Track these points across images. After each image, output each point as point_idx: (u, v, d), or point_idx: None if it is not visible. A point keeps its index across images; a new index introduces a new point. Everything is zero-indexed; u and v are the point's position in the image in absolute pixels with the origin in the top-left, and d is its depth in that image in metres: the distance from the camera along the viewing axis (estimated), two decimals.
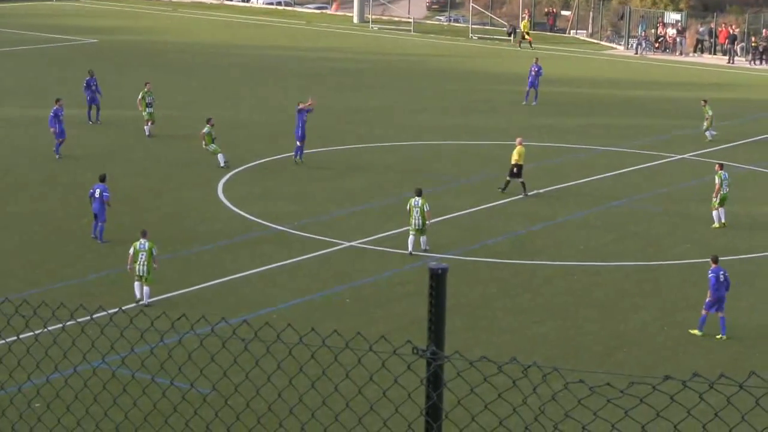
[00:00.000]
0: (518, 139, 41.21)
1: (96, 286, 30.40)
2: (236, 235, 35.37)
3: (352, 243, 34.80)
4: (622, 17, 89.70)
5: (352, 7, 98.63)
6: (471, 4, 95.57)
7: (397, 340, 6.01)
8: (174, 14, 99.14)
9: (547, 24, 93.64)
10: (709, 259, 28.74)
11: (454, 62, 76.21)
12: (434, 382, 5.30)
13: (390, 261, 33.29)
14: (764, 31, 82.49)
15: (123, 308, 26.68)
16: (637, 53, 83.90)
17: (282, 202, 39.35)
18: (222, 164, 43.23)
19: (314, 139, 46.60)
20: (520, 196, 40.33)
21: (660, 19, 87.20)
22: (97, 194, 34.12)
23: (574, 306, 29.90)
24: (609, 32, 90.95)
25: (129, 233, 31.98)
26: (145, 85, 49.26)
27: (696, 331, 27.85)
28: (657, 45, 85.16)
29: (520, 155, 40.41)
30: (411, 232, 33.70)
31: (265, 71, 69.09)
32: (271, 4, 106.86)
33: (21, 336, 8.59)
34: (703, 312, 27.85)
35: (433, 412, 5.31)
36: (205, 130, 43.39)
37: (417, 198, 33.75)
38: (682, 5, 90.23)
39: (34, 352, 8.70)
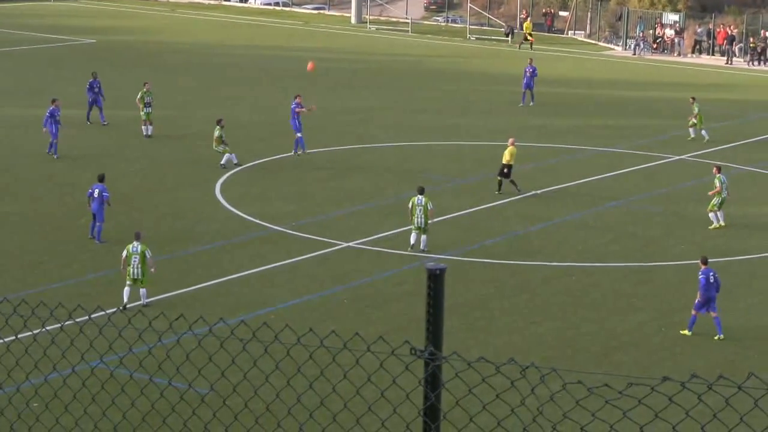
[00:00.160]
0: (510, 140, 41.28)
1: (93, 286, 30.39)
2: (234, 235, 35.37)
3: (350, 243, 34.80)
4: (620, 18, 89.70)
5: (350, 8, 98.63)
6: (469, 4, 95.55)
7: (394, 340, 6.01)
8: (172, 14, 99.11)
9: (545, 25, 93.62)
10: (703, 262, 28.72)
11: (451, 63, 76.21)
12: (432, 382, 5.30)
13: (388, 261, 33.29)
14: (762, 31, 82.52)
15: (122, 308, 26.55)
16: (635, 54, 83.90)
17: (280, 202, 39.35)
18: (222, 163, 43.24)
19: (312, 140, 46.66)
20: (519, 196, 40.35)
21: (658, 19, 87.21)
22: (95, 194, 34.11)
23: (572, 306, 29.90)
24: (607, 33, 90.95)
25: (127, 233, 31.95)
26: (144, 85, 49.25)
27: (686, 332, 27.89)
28: (655, 46, 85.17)
29: (511, 155, 40.50)
30: (413, 230, 33.78)
31: (263, 72, 69.07)
32: (269, 4, 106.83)
33: (19, 336, 8.58)
34: (693, 312, 27.92)
35: (431, 413, 5.31)
36: (216, 133, 43.38)
37: (420, 196, 33.78)
38: (680, 6, 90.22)
39: (32, 352, 8.69)
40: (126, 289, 28.49)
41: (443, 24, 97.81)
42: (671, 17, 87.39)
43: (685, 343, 27.52)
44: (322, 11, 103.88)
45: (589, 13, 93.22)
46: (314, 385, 7.77)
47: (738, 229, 37.50)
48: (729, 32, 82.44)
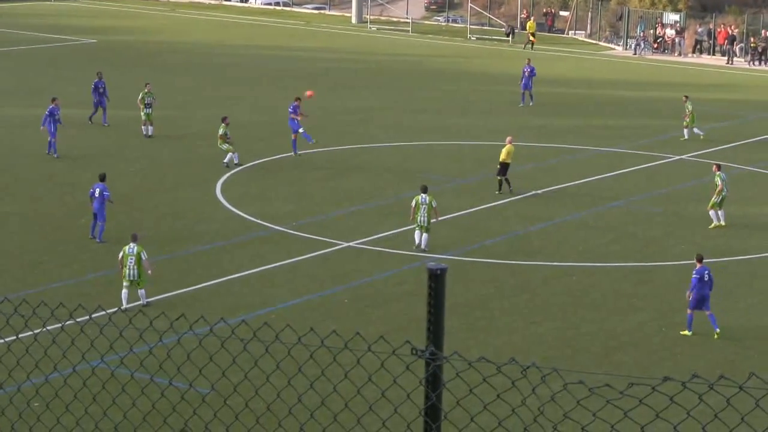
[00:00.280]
0: (508, 138, 41.34)
1: (94, 286, 30.39)
2: (234, 235, 35.37)
3: (350, 243, 34.80)
4: (620, 18, 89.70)
5: (351, 8, 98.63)
6: (469, 4, 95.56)
7: (395, 339, 6.01)
8: (172, 14, 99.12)
9: (546, 24, 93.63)
10: (698, 260, 28.71)
11: (452, 63, 76.21)
12: (433, 382, 5.30)
13: (388, 261, 33.29)
14: (763, 31, 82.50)
15: (122, 310, 26.53)
16: (635, 54, 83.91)
17: (280, 202, 39.36)
18: (225, 162, 43.28)
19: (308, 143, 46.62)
20: (519, 196, 40.35)
21: (659, 19, 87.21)
22: (96, 193, 34.13)
23: (573, 306, 29.90)
24: (607, 33, 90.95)
25: (127, 233, 31.88)
26: (146, 85, 49.26)
27: (686, 332, 27.89)
28: (656, 45, 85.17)
29: (508, 153, 40.53)
30: (417, 229, 33.81)
31: (263, 71, 69.07)
32: (269, 4, 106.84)
33: (20, 335, 8.58)
34: (689, 311, 27.93)
35: (432, 413, 5.31)
36: (221, 131, 43.39)
37: (424, 195, 33.81)
38: (680, 6, 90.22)
39: (33, 351, 8.69)
40: (124, 292, 28.42)
41: (444, 24, 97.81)
42: (672, 17, 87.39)
43: (686, 343, 27.52)
44: (322, 11, 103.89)
45: (589, 13, 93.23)
46: (315, 385, 7.77)
47: (738, 229, 37.50)
48: (730, 32, 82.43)
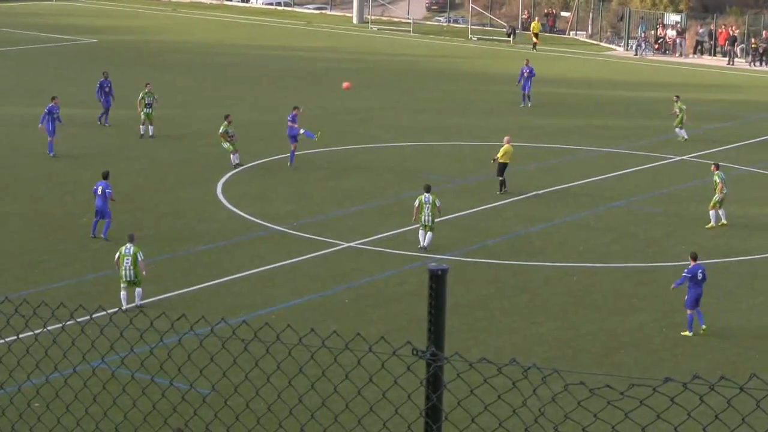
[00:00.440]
0: (506, 138, 41.38)
1: (94, 285, 30.38)
2: (235, 235, 35.37)
3: (351, 243, 34.80)
4: (621, 18, 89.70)
5: (352, 8, 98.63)
6: (470, 4, 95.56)
7: (396, 340, 6.01)
8: (173, 14, 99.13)
9: (547, 25, 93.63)
10: (699, 259, 28.70)
11: (453, 63, 76.20)
12: (434, 383, 5.29)
13: (388, 261, 33.29)
14: (764, 32, 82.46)
15: (123, 309, 26.54)
16: (636, 54, 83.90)
17: (280, 202, 39.35)
18: (235, 163, 43.35)
19: (313, 140, 46.56)
20: (519, 196, 40.36)
21: (660, 20, 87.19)
22: (99, 191, 34.15)
23: (573, 307, 29.90)
24: (609, 33, 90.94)
25: (127, 233, 31.93)
26: (146, 85, 49.24)
27: (687, 332, 27.89)
28: (657, 46, 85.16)
29: (506, 153, 40.53)
30: (420, 228, 33.82)
31: (264, 71, 69.07)
32: (271, 4, 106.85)
33: (20, 336, 8.58)
34: (687, 312, 27.93)
35: (433, 414, 5.31)
36: (221, 129, 43.34)
37: (427, 194, 33.84)
38: (681, 6, 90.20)
39: (33, 351, 8.69)
40: (122, 293, 28.38)
41: (445, 24, 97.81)
42: (673, 18, 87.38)
43: (686, 344, 27.51)
44: (323, 11, 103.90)
45: (590, 14, 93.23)
46: (316, 386, 7.77)
47: (739, 230, 37.49)
48: (731, 33, 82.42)
